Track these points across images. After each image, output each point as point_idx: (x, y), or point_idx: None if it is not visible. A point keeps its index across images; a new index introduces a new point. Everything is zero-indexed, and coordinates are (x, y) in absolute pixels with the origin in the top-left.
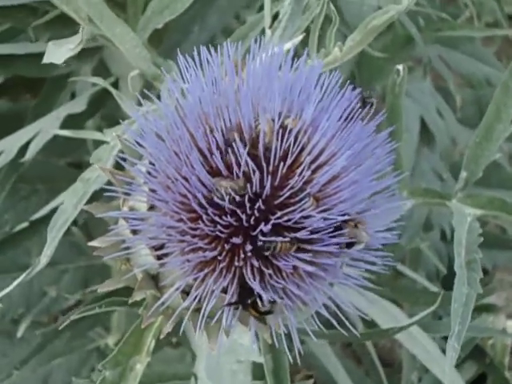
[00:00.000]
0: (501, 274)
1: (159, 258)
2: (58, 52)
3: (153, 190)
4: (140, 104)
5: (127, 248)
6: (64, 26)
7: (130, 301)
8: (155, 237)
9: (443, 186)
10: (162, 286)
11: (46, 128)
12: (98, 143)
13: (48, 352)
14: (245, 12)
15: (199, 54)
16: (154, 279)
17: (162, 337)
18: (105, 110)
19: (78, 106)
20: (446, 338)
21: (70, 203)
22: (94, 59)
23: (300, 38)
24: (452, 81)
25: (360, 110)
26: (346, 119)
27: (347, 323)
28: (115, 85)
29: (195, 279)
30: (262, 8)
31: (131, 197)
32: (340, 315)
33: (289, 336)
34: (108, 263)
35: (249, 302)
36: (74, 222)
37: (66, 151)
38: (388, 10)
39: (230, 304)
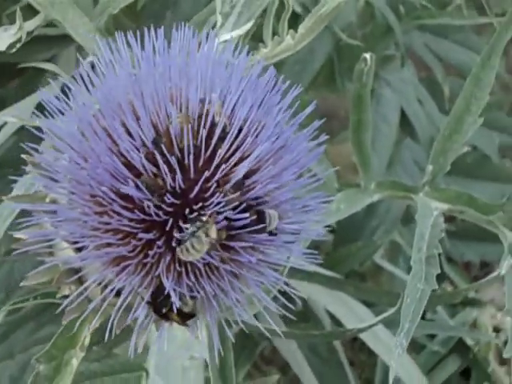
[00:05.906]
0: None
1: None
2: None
3: (55, 180)
4: None
5: (50, 240)
6: None
7: (59, 295)
8: (71, 231)
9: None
10: (84, 279)
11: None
12: None
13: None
14: None
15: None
16: (78, 272)
17: (89, 332)
18: None
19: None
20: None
21: None
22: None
23: (247, 27)
24: (441, 71)
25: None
26: (268, 111)
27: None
28: None
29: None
30: None
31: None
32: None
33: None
34: None
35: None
36: None
37: None
38: None
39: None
